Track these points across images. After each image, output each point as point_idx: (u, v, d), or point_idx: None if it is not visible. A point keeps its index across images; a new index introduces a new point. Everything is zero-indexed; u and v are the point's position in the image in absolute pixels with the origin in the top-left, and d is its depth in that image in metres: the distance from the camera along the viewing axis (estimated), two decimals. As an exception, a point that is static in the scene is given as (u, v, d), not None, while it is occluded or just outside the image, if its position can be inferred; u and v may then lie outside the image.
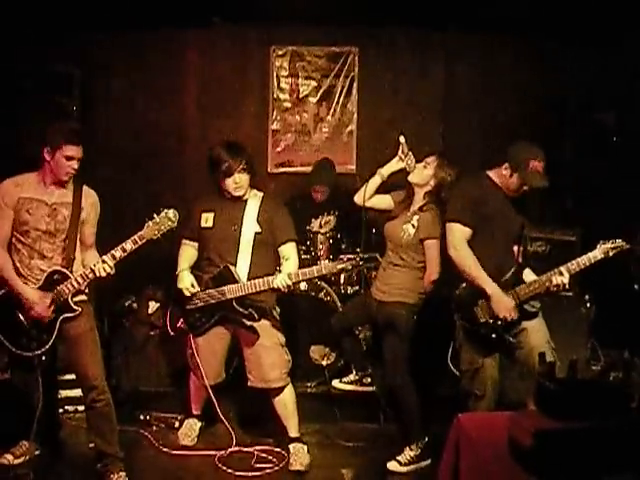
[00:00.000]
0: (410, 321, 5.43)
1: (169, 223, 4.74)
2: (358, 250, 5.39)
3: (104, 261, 4.68)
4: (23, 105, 6.79)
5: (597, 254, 4.69)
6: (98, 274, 4.70)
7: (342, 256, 5.10)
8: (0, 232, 4.72)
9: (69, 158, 4.65)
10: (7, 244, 4.77)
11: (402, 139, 5.45)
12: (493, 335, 4.88)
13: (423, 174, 5.42)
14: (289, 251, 5.38)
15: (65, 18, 6.89)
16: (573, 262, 4.70)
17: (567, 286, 4.68)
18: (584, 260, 4.70)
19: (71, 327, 4.81)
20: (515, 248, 5.03)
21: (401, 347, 5.43)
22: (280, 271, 5.31)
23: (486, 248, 4.89)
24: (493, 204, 4.90)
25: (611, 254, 4.67)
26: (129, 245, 4.69)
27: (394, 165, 5.53)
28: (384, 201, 5.69)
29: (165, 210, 4.75)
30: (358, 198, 5.66)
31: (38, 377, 4.92)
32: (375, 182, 5.61)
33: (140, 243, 4.71)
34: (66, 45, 7.18)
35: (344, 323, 6.01)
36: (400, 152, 5.47)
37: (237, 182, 5.28)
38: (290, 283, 5.03)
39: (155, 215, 4.74)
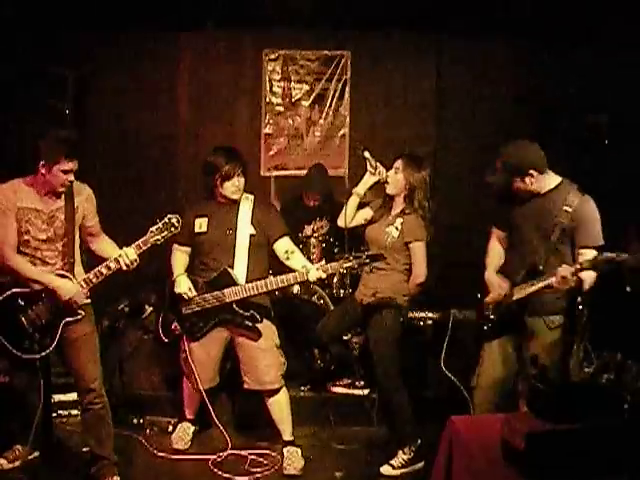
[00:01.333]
0: (397, 323, 5.44)
1: (172, 229, 4.74)
2: (363, 248, 5.40)
3: (120, 256, 4.69)
4: (16, 108, 6.78)
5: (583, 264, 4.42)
6: (123, 266, 4.70)
7: (348, 255, 5.11)
8: (9, 236, 4.68)
9: (66, 172, 4.61)
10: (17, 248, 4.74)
11: (367, 154, 5.44)
12: (485, 327, 4.95)
13: (396, 180, 5.40)
14: (290, 244, 5.42)
15: (59, 21, 6.88)
16: (580, 261, 4.49)
17: (570, 282, 4.45)
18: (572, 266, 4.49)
19: (73, 330, 4.80)
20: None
21: (389, 350, 5.43)
22: (272, 274, 5.34)
23: (511, 247, 4.96)
24: (516, 206, 4.84)
25: (601, 268, 4.39)
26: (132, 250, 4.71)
27: (368, 181, 5.51)
28: (366, 215, 5.66)
29: (169, 216, 4.75)
30: (341, 222, 5.63)
31: (40, 380, 4.92)
32: (354, 203, 5.58)
33: (143, 248, 4.72)
34: (60, 48, 7.17)
35: (329, 331, 5.99)
36: (369, 167, 5.47)
37: (236, 185, 5.32)
38: (324, 276, 5.12)
39: (158, 221, 4.74)
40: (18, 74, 6.86)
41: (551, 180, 4.75)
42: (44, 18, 6.80)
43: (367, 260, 5.09)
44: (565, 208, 4.61)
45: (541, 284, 4.62)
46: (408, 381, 5.50)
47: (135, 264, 4.73)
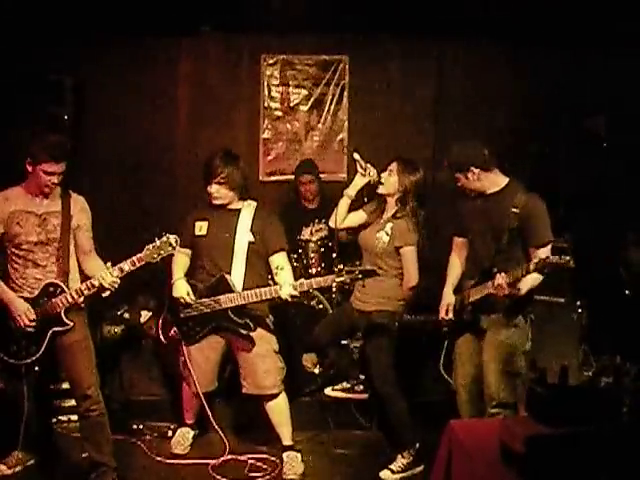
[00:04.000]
0: (392, 329, 5.43)
1: (169, 248, 4.70)
2: (358, 263, 5.42)
3: (103, 277, 4.66)
4: (14, 114, 6.78)
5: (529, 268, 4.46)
6: (99, 289, 4.71)
7: (341, 267, 5.11)
8: None
9: (49, 173, 4.63)
10: None
11: (356, 155, 5.48)
12: (444, 330, 5.16)
13: (390, 182, 5.42)
14: (282, 260, 5.39)
15: (57, 27, 6.89)
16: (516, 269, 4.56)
17: (505, 290, 4.57)
18: (517, 271, 4.55)
19: (65, 337, 4.79)
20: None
21: (385, 355, 5.44)
22: (274, 281, 5.33)
23: (470, 250, 5.07)
24: (465, 207, 4.98)
25: (545, 271, 4.43)
26: (127, 266, 4.68)
27: (358, 182, 5.52)
28: (358, 218, 5.66)
29: (167, 235, 4.71)
30: (332, 222, 5.64)
31: (24, 386, 4.91)
32: (344, 204, 5.57)
33: (138, 265, 4.69)
34: (58, 54, 7.17)
35: (326, 336, 5.99)
36: (359, 168, 5.48)
37: (212, 192, 5.32)
38: (296, 293, 5.07)
39: (156, 239, 4.70)
40: (16, 80, 6.86)
41: (498, 180, 4.86)
42: (42, 24, 6.80)
43: (360, 275, 5.05)
44: (513, 210, 4.70)
45: (486, 290, 4.74)
46: (406, 385, 5.50)
47: (115, 285, 4.71)
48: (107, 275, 4.66)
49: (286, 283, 5.11)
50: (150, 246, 4.69)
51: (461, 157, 4.82)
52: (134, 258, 4.69)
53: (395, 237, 5.36)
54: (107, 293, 4.77)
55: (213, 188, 5.30)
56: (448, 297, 5.09)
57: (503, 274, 4.53)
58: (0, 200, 4.74)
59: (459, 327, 5.05)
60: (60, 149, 4.67)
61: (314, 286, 5.12)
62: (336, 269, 5.07)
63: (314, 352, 6.38)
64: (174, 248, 4.73)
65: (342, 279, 5.01)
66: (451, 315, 5.03)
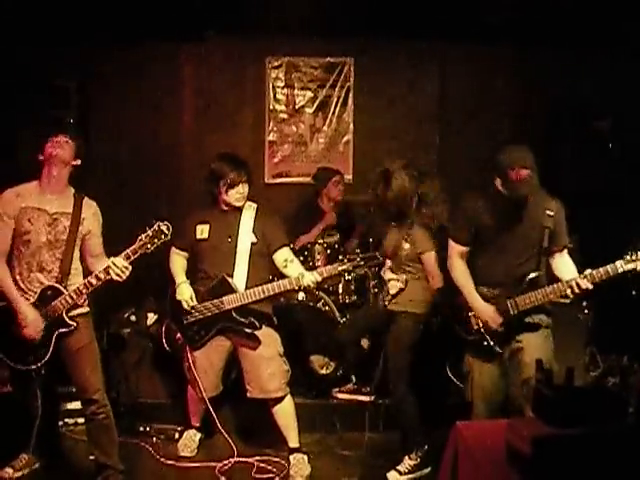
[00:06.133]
0: (416, 332, 5.45)
1: (162, 237, 4.62)
2: (358, 251, 5.42)
3: (114, 262, 4.62)
4: (18, 119, 6.80)
5: (619, 266, 4.48)
6: (113, 275, 4.63)
7: (341, 257, 5.13)
8: (1, 243, 4.69)
9: (54, 144, 4.63)
10: (7, 255, 4.72)
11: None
12: (484, 343, 4.87)
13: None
14: (289, 254, 5.42)
15: (62, 32, 6.91)
16: (599, 270, 4.53)
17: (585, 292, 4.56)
18: (606, 270, 4.52)
19: (71, 340, 4.78)
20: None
21: (404, 357, 5.44)
22: (279, 278, 5.34)
23: (490, 257, 4.85)
24: (492, 214, 4.79)
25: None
26: (121, 260, 4.64)
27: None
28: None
29: (158, 223, 4.63)
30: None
31: (36, 390, 4.91)
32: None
33: (132, 258, 4.63)
34: (63, 58, 7.19)
35: (351, 334, 6.01)
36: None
37: (241, 193, 5.33)
38: (320, 279, 5.09)
39: (147, 228, 4.63)
40: (21, 85, 6.88)
41: None
42: (46, 29, 6.83)
43: (361, 262, 5.08)
44: (548, 212, 4.69)
45: (553, 295, 4.64)
46: (416, 387, 5.50)
47: (127, 272, 4.63)
48: (118, 261, 4.61)
49: (304, 272, 5.13)
50: (143, 236, 4.63)
51: (530, 154, 4.62)
52: (127, 251, 4.64)
53: (416, 244, 5.40)
54: (125, 275, 4.66)
55: (242, 188, 5.32)
56: (487, 307, 4.83)
57: (584, 279, 4.50)
58: (12, 196, 4.70)
59: (504, 337, 4.86)
60: (64, 130, 4.73)
61: (333, 273, 5.12)
62: (339, 258, 5.11)
63: (327, 351, 6.40)
64: (167, 236, 4.64)
65: (345, 267, 5.05)
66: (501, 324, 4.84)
